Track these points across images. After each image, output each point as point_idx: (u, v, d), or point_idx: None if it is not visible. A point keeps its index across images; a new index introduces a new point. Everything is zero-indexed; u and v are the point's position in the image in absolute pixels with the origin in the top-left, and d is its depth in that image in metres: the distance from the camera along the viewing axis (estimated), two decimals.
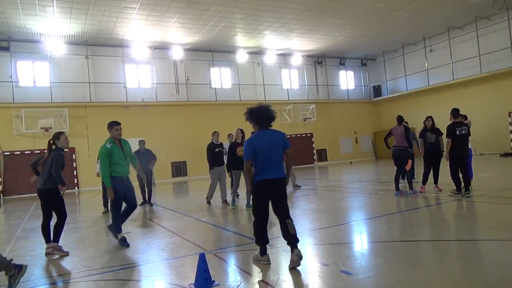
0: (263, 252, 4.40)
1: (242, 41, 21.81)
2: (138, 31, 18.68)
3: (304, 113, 25.03)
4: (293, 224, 4.27)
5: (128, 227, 7.56)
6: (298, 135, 24.81)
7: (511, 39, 19.48)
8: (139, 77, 21.36)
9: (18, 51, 18.34)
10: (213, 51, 22.60)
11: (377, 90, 28.10)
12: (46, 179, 5.66)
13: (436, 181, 8.96)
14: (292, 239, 4.20)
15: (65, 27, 17.39)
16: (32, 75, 18.93)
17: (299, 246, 4.22)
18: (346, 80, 28.41)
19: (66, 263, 5.26)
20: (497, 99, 19.87)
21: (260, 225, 4.41)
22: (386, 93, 27.45)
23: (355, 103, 27.93)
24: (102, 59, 20.16)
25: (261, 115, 4.42)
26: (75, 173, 18.93)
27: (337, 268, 4.02)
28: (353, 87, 28.71)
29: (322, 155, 26.36)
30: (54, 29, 17.43)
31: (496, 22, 20.22)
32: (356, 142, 27.69)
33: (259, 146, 4.31)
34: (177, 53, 21.50)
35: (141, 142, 10.71)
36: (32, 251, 6.10)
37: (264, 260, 4.36)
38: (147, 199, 10.63)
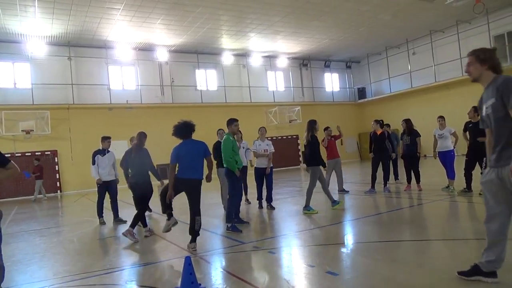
0: (169, 216, 5.67)
1: (227, 43, 21.79)
2: (122, 32, 18.47)
3: (289, 115, 25.12)
4: (200, 222, 5.40)
5: (113, 231, 7.46)
6: (284, 137, 24.89)
7: (491, 43, 19.99)
8: (123, 79, 21.10)
9: None
10: (198, 53, 22.51)
11: (361, 92, 28.45)
12: (141, 174, 6.67)
13: (417, 181, 9.26)
14: (194, 234, 5.34)
15: (47, 28, 17.06)
16: (13, 77, 18.49)
17: (287, 247, 4.21)
18: (331, 82, 28.66)
19: (47, 268, 5.15)
20: (478, 101, 20.29)
21: (164, 198, 5.59)
22: (371, 95, 27.80)
23: (340, 105, 28.18)
24: (85, 60, 19.86)
25: (182, 129, 5.54)
26: (57, 177, 18.55)
27: (323, 269, 4.04)
28: (338, 89, 28.98)
29: None
30: (35, 29, 17.08)
31: (476, 25, 20.71)
32: (341, 144, 27.89)
33: (182, 153, 5.39)
34: (162, 55, 21.34)
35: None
36: (12, 256, 5.94)
37: (172, 221, 5.65)
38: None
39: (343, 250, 4.98)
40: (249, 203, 9.53)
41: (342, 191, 9.93)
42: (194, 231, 5.33)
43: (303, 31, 20.73)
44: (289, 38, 21.76)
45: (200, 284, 3.73)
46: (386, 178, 9.52)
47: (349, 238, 5.61)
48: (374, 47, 25.41)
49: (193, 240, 5.32)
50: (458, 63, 21.23)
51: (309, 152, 7.84)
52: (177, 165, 5.43)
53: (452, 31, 21.77)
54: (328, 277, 3.80)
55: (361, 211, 7.62)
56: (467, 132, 8.26)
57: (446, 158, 8.87)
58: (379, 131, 9.52)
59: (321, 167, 7.91)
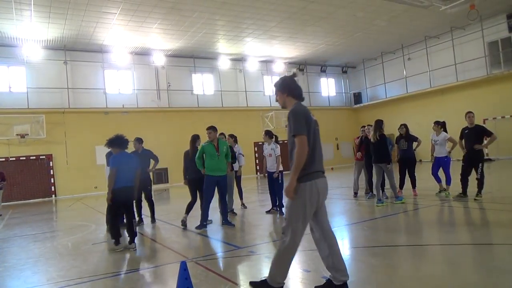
0: (118, 241, 6.05)
1: (224, 47, 21.84)
2: (118, 36, 18.46)
3: (285, 119, 25.15)
4: (136, 225, 6.36)
5: (107, 235, 7.41)
6: (281, 142, 24.76)
7: (485, 49, 20.18)
8: (119, 83, 21.06)
9: None
10: (195, 58, 22.53)
11: (357, 97, 28.58)
12: (196, 170, 7.30)
13: (413, 186, 9.31)
14: (132, 235, 6.08)
15: (42, 32, 17.02)
16: (8, 80, 18.40)
17: None
18: (327, 87, 28.78)
19: (41, 273, 5.09)
20: (472, 107, 20.38)
21: (116, 221, 6.27)
22: (366, 100, 27.94)
23: (336, 110, 28.29)
24: (81, 64, 19.81)
25: (117, 142, 6.20)
26: (52, 181, 18.43)
27: (319, 274, 4.03)
28: (334, 94, 29.10)
29: None
30: (31, 33, 17.03)
31: (471, 32, 20.91)
32: (337, 148, 28.00)
33: (121, 162, 6.05)
34: (158, 59, 21.35)
35: (138, 141, 8.59)
36: (5, 261, 5.88)
37: (118, 248, 5.98)
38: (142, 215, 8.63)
39: None
40: (245, 207, 9.49)
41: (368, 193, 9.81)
42: (133, 232, 6.13)
43: (299, 36, 20.83)
44: (286, 43, 21.85)
45: None
46: (383, 184, 9.48)
47: (345, 243, 5.60)
48: (370, 53, 25.58)
49: (133, 240, 6.06)
50: (453, 69, 21.43)
51: (378, 149, 8.36)
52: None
53: (446, 37, 21.97)
54: (323, 282, 3.78)
55: (357, 216, 7.62)
56: (463, 139, 8.27)
57: (441, 164, 8.90)
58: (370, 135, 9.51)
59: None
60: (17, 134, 17.28)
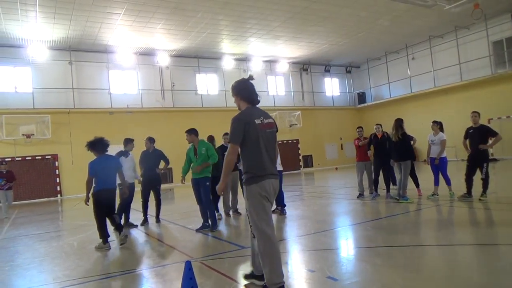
0: (105, 241, 6.24)
1: (228, 47, 21.87)
2: (123, 37, 18.55)
3: (290, 119, 25.18)
4: (118, 218, 6.58)
5: (113, 234, 7.45)
6: (284, 141, 24.90)
7: (489, 49, 20.08)
8: (124, 83, 21.15)
9: None
10: (199, 58, 22.59)
11: (361, 97, 28.53)
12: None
13: (417, 185, 9.37)
14: (118, 227, 6.42)
15: (48, 32, 17.13)
16: (14, 81, 18.53)
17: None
18: (331, 86, 28.74)
19: (47, 273, 5.14)
20: (477, 106, 20.26)
21: (102, 222, 6.32)
22: (370, 100, 27.88)
23: (340, 110, 28.25)
24: (86, 64, 19.91)
25: (97, 146, 6.44)
26: (57, 181, 18.55)
27: (324, 274, 4.04)
28: (338, 93, 29.05)
29: (308, 161, 26.52)
30: (36, 34, 17.14)
31: (475, 31, 20.81)
32: (342, 148, 27.95)
33: (100, 167, 6.29)
34: (162, 59, 21.42)
35: (150, 140, 8.62)
36: (12, 261, 5.94)
37: (106, 247, 6.17)
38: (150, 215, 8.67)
39: (344, 255, 4.98)
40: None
41: (371, 193, 9.71)
42: (118, 224, 6.49)
43: (303, 36, 20.82)
44: (289, 42, 21.85)
45: None
46: (388, 183, 9.47)
47: (350, 243, 5.61)
48: (373, 52, 25.52)
49: (121, 230, 6.41)
50: (457, 68, 21.33)
51: (402, 147, 8.46)
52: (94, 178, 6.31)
53: (451, 36, 21.87)
54: (328, 282, 3.80)
55: (362, 216, 7.62)
56: (468, 139, 8.23)
57: (438, 165, 8.80)
58: (379, 135, 9.48)
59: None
60: (23, 134, 17.41)
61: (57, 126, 18.41)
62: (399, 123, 8.61)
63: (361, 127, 10.37)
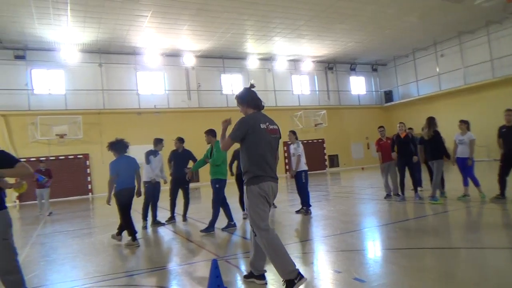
0: (134, 238, 6.43)
1: (252, 47, 21.95)
2: (150, 39, 18.95)
3: (315, 118, 25.01)
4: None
5: (141, 233, 7.63)
6: (310, 141, 24.75)
7: None
8: (151, 84, 21.61)
9: (34, 59, 18.77)
10: (224, 58, 22.78)
11: (388, 96, 27.99)
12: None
13: (442, 186, 9.08)
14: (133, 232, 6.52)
15: (79, 36, 17.73)
16: (47, 83, 19.30)
17: None
18: (357, 85, 28.34)
19: (79, 268, 5.34)
20: (510, 104, 19.59)
21: (128, 220, 6.53)
22: (398, 98, 27.31)
23: (366, 109, 27.82)
24: (115, 66, 20.48)
25: (117, 147, 6.62)
26: (88, 180, 19.18)
27: (350, 275, 4.00)
28: (364, 92, 28.63)
29: (333, 161, 26.27)
30: (68, 37, 17.79)
31: (508, 26, 19.99)
32: (368, 148, 27.51)
33: (121, 167, 6.48)
34: (188, 60, 21.74)
35: (180, 140, 8.84)
36: (47, 256, 6.19)
37: (135, 244, 6.36)
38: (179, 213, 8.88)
39: (370, 256, 4.92)
40: (275, 207, 9.51)
41: (396, 195, 9.43)
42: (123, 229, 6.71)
43: (328, 34, 20.63)
44: (314, 41, 21.70)
45: (226, 287, 3.78)
46: (415, 184, 9.24)
47: (376, 244, 5.53)
48: (400, 50, 24.99)
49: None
50: (489, 65, 20.58)
51: (434, 146, 8.28)
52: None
53: (482, 32, 21.12)
54: (355, 284, 3.76)
55: (389, 217, 7.49)
56: (501, 138, 7.94)
57: (465, 165, 8.47)
58: (403, 134, 9.28)
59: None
60: (57, 135, 18.13)
61: (88, 126, 19.03)
62: (432, 121, 8.42)
63: (382, 126, 10.09)
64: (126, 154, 6.79)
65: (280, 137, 4.05)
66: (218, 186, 7.05)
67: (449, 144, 9.03)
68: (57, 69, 19.34)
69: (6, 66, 18.27)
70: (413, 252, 4.81)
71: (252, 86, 4.14)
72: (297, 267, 3.58)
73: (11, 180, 4.12)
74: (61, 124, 18.30)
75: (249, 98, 3.99)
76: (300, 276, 3.52)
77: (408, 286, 3.62)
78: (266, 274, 3.99)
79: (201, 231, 6.93)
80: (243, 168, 3.84)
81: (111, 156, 6.81)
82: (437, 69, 23.63)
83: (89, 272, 5.00)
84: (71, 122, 18.62)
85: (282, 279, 3.60)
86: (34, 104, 18.50)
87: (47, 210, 12.19)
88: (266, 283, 3.91)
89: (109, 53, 20.13)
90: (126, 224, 6.53)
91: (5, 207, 3.42)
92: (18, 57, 18.36)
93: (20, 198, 17.54)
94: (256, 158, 3.74)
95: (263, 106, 4.06)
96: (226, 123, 4.07)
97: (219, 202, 7.12)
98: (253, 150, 3.75)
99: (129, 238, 6.47)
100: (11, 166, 3.36)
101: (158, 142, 8.62)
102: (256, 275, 3.94)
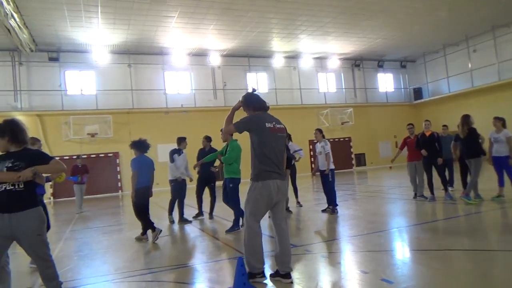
0: (154, 228, 6.62)
1: (278, 45, 21.89)
2: (177, 39, 19.25)
3: (341, 117, 24.69)
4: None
5: (168, 230, 7.78)
6: (336, 140, 24.46)
7: None
8: (178, 84, 21.96)
9: (67, 61, 19.45)
10: (249, 57, 22.84)
11: (417, 93, 27.21)
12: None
13: (445, 188, 8.90)
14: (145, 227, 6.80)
15: (109, 37, 18.24)
16: (80, 84, 19.96)
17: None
18: (385, 82, 27.75)
19: (109, 263, 5.50)
20: None
21: (146, 216, 6.76)
22: (427, 96, 26.54)
23: (395, 106, 27.17)
24: (144, 67, 20.93)
25: (139, 146, 6.89)
26: (119, 177, 19.72)
27: (377, 276, 3.94)
28: (392, 89, 27.99)
29: (360, 159, 25.84)
30: (99, 39, 18.33)
31: None
32: (396, 147, 26.87)
33: (140, 165, 6.73)
34: (214, 59, 21.94)
35: (207, 139, 9.12)
36: (79, 251, 6.42)
37: (157, 231, 6.57)
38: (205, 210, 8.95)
39: (398, 257, 4.82)
40: (301, 206, 9.46)
41: (421, 196, 9.10)
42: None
43: (354, 31, 20.30)
44: (340, 38, 21.41)
45: (252, 285, 3.80)
46: (445, 183, 8.94)
47: (405, 245, 5.41)
48: (430, 46, 24.27)
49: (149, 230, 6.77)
50: None
51: (470, 144, 8.10)
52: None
53: None
54: (383, 285, 3.70)
55: (418, 217, 7.32)
56: None
57: (502, 164, 8.07)
58: (428, 132, 8.98)
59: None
60: (88, 134, 18.77)
61: (118, 125, 19.55)
62: (466, 119, 8.19)
63: (411, 124, 9.78)
64: (145, 154, 7.00)
65: (287, 136, 4.24)
66: (232, 185, 7.01)
67: (485, 143, 8.70)
68: (89, 70, 19.97)
69: (41, 68, 19.03)
70: (444, 254, 4.68)
71: (254, 90, 4.31)
72: (264, 267, 3.95)
73: None
74: (92, 124, 18.92)
75: (254, 103, 4.16)
76: (262, 275, 3.92)
77: None
78: (292, 273, 3.98)
79: (226, 231, 6.93)
80: (251, 166, 4.01)
81: None
82: (469, 65, 22.80)
83: (119, 268, 5.16)
84: (102, 121, 19.18)
85: (248, 271, 3.83)
86: (67, 104, 19.17)
87: (81, 207, 12.49)
88: (292, 282, 3.90)
89: (137, 54, 20.59)
90: (146, 220, 6.74)
91: (38, 205, 3.52)
92: (52, 59, 19.08)
93: (54, 194, 18.24)
94: (262, 156, 3.91)
95: (268, 107, 4.22)
96: (238, 104, 4.20)
97: (238, 199, 7.03)
98: (259, 149, 3.92)
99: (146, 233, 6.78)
100: (46, 163, 3.51)
101: (182, 140, 8.77)
102: (282, 274, 3.95)
